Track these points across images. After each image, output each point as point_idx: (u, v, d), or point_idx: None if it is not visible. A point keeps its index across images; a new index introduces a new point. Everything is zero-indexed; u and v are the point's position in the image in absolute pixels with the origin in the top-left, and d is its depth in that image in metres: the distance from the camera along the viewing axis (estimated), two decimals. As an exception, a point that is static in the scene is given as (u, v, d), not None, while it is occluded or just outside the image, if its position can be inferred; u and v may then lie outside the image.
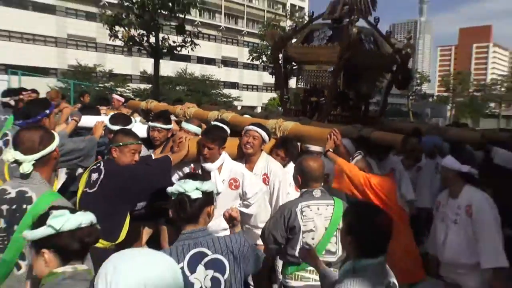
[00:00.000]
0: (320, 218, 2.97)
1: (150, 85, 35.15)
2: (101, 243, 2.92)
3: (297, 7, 59.31)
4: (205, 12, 51.89)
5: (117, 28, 26.33)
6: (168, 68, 39.59)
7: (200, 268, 2.04)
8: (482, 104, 70.55)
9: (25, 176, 2.26)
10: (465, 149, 5.84)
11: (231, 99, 46.25)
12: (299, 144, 4.68)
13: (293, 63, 6.94)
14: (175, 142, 3.87)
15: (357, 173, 3.67)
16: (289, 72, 7.05)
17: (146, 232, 4.30)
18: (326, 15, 6.40)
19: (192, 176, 2.36)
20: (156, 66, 28.22)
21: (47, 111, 3.68)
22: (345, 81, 6.05)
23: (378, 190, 3.56)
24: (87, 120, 4.53)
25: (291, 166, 4.14)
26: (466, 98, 70.35)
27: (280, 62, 6.78)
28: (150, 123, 4.60)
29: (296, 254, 2.94)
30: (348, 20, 6.04)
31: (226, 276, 2.09)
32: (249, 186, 3.66)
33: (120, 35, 26.57)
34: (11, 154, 2.26)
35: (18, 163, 2.26)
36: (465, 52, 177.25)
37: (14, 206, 2.19)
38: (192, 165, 3.87)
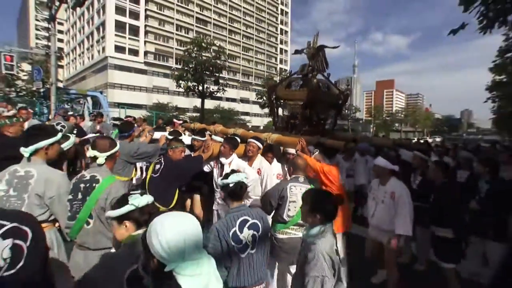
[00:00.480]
0: (301, 195, 2.76)
1: (199, 114, 35.12)
2: (160, 208, 2.88)
3: (283, 69, 59.27)
4: (231, 72, 52.21)
5: (180, 82, 26.97)
6: (209, 104, 39.56)
7: (245, 229, 2.02)
8: (390, 124, 70.61)
9: (99, 166, 2.22)
10: (384, 150, 5.65)
11: (245, 122, 46.06)
12: (282, 148, 4.51)
13: (280, 100, 6.70)
14: (205, 146, 3.84)
15: (315, 163, 3.46)
16: (277, 106, 6.83)
17: (188, 200, 4.33)
18: (299, 72, 6.23)
19: (233, 171, 2.25)
20: (202, 103, 29.16)
21: (133, 129, 3.88)
22: (311, 110, 5.84)
23: (327, 174, 3.36)
24: (156, 134, 4.50)
25: (275, 163, 4.08)
26: (381, 121, 70.29)
27: (272, 100, 6.56)
28: (192, 136, 4.52)
29: (284, 217, 2.83)
30: (310, 75, 5.83)
31: (259, 233, 2.07)
32: (247, 173, 3.52)
33: (182, 85, 27.22)
34: (92, 152, 2.24)
35: (95, 158, 2.22)
36: (380, 95, 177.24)
37: (87, 185, 2.11)
38: (215, 160, 3.74)
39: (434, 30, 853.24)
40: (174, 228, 1.03)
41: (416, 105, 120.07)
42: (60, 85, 27.75)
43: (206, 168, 3.84)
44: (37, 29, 68.88)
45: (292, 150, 4.30)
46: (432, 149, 6.31)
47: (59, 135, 2.28)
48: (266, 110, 57.99)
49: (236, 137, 4.01)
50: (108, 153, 2.24)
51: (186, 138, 4.49)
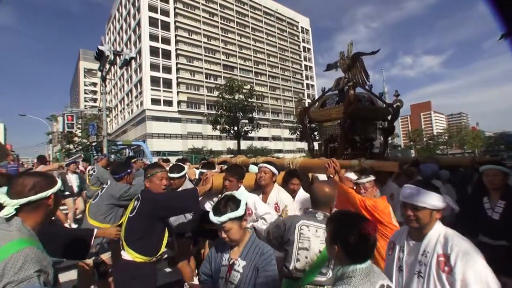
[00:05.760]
0: (316, 240, 1.87)
1: (232, 156, 35.10)
2: (141, 258, 2.23)
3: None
4: (260, 112, 52.43)
5: (216, 125, 27.97)
6: (242, 145, 39.54)
7: None
8: (433, 148, 65.32)
9: (6, 220, 1.18)
10: (460, 171, 4.40)
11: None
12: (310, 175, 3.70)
13: (315, 123, 5.79)
14: (203, 178, 2.88)
15: (354, 195, 2.50)
16: (312, 130, 5.89)
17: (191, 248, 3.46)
18: (333, 88, 5.30)
19: None
20: (238, 143, 29.88)
21: (129, 170, 3.12)
22: (352, 129, 4.82)
23: (372, 210, 2.34)
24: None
25: (300, 192, 3.07)
26: (423, 145, 65.35)
27: (306, 124, 5.65)
28: (200, 169, 3.76)
29: (290, 268, 1.91)
30: (347, 87, 4.86)
31: None
32: (260, 209, 2.65)
33: (218, 128, 28.12)
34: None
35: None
36: (416, 119, 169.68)
37: None
38: (220, 195, 2.73)
39: (468, 45, 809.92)
40: None
41: (460, 124, 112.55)
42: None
43: (208, 207, 2.96)
44: (85, 93, 77.09)
45: (323, 177, 3.36)
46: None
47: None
48: (299, 145, 57.17)
49: (241, 166, 3.24)
50: (24, 200, 1.20)
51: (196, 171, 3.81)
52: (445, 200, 1.48)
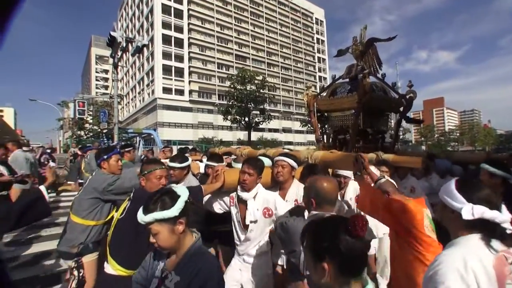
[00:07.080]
0: None
1: (239, 146, 35.05)
2: (124, 272, 1.90)
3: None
4: (271, 103, 52.01)
5: (227, 115, 27.91)
6: (252, 136, 39.43)
7: None
8: (444, 144, 63.86)
9: None
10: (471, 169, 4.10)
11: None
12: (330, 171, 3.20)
13: (323, 113, 5.48)
14: (213, 174, 2.52)
15: (379, 197, 2.03)
16: (321, 120, 5.61)
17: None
18: (345, 76, 5.00)
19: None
20: (249, 134, 29.70)
21: (105, 157, 2.71)
22: (364, 121, 4.54)
23: (398, 214, 1.85)
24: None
25: None
26: (434, 141, 63.93)
27: (314, 113, 5.35)
28: (205, 161, 3.41)
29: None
30: (361, 76, 4.55)
31: None
32: (281, 210, 2.27)
33: (229, 118, 28.06)
34: None
35: None
36: (428, 114, 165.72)
37: None
38: (232, 194, 2.47)
39: (485, 41, 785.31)
40: None
41: (472, 121, 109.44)
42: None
43: (218, 208, 2.56)
44: (97, 80, 77.96)
45: (346, 173, 2.96)
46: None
47: None
48: (310, 137, 56.60)
49: (263, 158, 2.84)
50: None
51: (202, 165, 3.46)
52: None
